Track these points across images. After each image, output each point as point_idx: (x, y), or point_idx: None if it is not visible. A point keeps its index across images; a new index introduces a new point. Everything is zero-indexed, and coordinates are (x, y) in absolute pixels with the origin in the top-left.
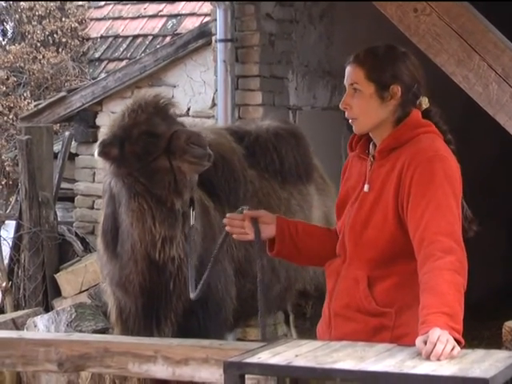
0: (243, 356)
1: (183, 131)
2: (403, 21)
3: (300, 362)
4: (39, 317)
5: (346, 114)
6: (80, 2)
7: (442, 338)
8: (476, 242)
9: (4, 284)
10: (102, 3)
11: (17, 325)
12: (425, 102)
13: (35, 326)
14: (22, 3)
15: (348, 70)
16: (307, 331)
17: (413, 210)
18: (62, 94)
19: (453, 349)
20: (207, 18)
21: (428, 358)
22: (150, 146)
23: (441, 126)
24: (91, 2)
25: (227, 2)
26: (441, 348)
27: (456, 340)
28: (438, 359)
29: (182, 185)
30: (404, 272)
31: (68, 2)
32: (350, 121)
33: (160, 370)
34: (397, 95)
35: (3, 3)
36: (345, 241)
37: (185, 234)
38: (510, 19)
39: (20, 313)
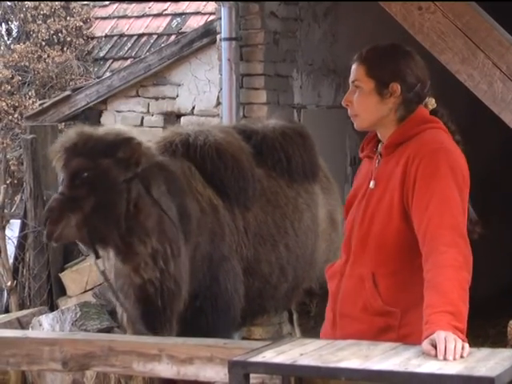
0: (248, 355)
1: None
2: (407, 19)
3: (305, 361)
4: (44, 316)
5: (349, 110)
6: (85, 2)
7: (448, 338)
8: (481, 239)
9: (9, 283)
10: (107, 2)
11: (22, 324)
12: (431, 103)
13: (40, 325)
14: (26, 2)
15: (352, 67)
16: (311, 329)
17: (417, 202)
18: (67, 92)
19: (463, 347)
20: (212, 17)
21: (444, 357)
22: None
23: (449, 127)
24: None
25: (230, 2)
26: (452, 346)
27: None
28: (454, 357)
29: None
30: (410, 270)
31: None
32: (351, 118)
33: (165, 369)
34: (396, 93)
35: (8, 2)
36: (350, 239)
37: (153, 257)
38: None
39: (25, 312)
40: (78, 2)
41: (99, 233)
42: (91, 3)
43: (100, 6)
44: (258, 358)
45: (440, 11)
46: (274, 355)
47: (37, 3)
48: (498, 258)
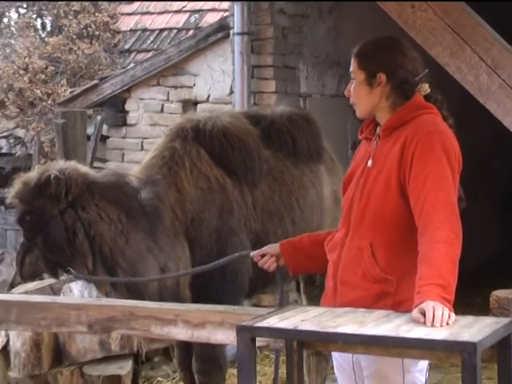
0: (254, 320)
1: None
2: (401, 16)
3: (305, 327)
4: (74, 283)
5: (350, 100)
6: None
7: (436, 307)
8: (473, 213)
9: None
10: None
11: (54, 290)
12: (424, 89)
13: (70, 292)
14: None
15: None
16: (316, 297)
17: (414, 181)
18: (95, 81)
19: (449, 316)
20: (226, 13)
21: (433, 323)
22: None
23: (443, 112)
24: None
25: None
26: (439, 314)
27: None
28: (441, 324)
29: None
30: (405, 241)
31: None
32: (353, 106)
33: (180, 332)
34: (383, 82)
35: None
36: (350, 214)
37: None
38: (500, 16)
39: (57, 280)
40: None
41: (53, 264)
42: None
43: (125, 3)
44: (263, 324)
45: (431, 9)
46: (277, 321)
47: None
48: (488, 231)
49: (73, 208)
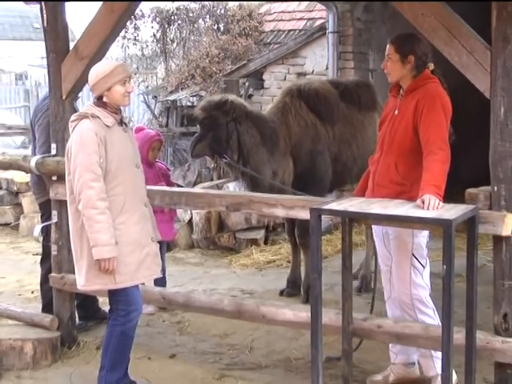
0: (321, 205)
1: None
2: (416, 20)
3: (351, 209)
4: (230, 183)
5: (385, 71)
6: (261, 11)
7: (431, 198)
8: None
9: (212, 165)
10: (272, 11)
11: (218, 187)
12: (431, 66)
13: (228, 188)
14: (229, 13)
15: (387, 46)
16: None
17: (423, 124)
18: (244, 62)
19: (439, 204)
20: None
21: (428, 208)
22: None
23: (441, 80)
24: (266, 10)
25: (334, 11)
26: (433, 203)
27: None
28: (433, 209)
29: None
30: (416, 161)
31: (254, 12)
32: (387, 75)
33: (279, 212)
34: (412, 61)
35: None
36: (383, 143)
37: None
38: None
39: (220, 181)
40: (257, 12)
41: (214, 150)
42: (263, 12)
43: (268, 14)
44: (326, 207)
45: (433, 16)
46: (335, 205)
47: (233, 13)
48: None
49: (234, 122)
